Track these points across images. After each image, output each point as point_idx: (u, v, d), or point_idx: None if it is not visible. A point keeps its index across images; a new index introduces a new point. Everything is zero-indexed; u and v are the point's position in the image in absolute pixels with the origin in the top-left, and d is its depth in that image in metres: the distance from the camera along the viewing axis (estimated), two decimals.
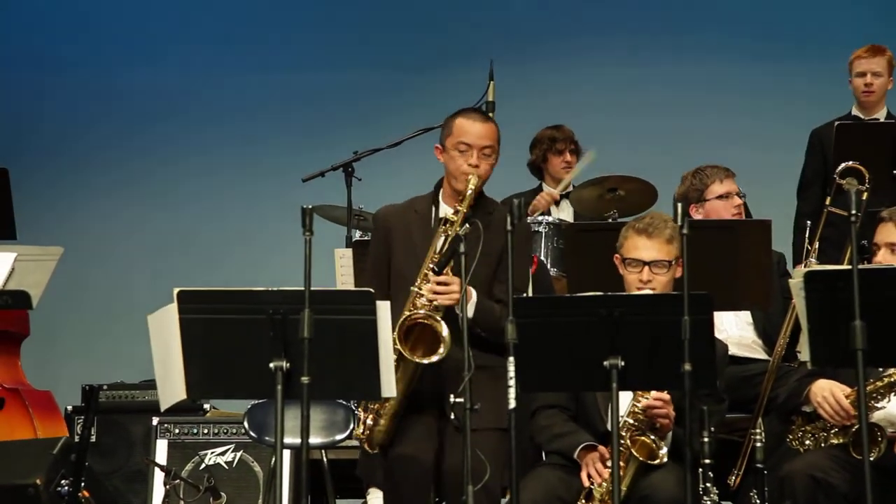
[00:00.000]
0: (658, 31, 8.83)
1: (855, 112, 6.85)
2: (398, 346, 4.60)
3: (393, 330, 4.35)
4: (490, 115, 5.48)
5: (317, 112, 8.91)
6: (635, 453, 4.59)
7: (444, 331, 4.63)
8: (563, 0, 8.94)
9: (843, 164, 5.72)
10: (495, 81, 6.07)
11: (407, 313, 4.68)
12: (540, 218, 6.78)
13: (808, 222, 5.77)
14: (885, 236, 4.97)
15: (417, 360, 4.64)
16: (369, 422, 4.78)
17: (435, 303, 4.66)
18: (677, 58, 8.77)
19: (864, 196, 5.41)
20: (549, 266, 6.60)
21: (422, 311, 4.67)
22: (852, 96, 6.85)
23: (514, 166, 7.38)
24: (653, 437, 4.61)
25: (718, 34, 8.80)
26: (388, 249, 4.92)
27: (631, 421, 4.63)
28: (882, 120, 6.77)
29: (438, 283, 4.66)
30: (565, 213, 7.12)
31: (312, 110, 8.92)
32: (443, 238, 4.73)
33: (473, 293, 4.71)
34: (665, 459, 4.59)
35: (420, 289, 4.70)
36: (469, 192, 4.75)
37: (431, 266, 4.70)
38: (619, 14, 8.89)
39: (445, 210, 4.86)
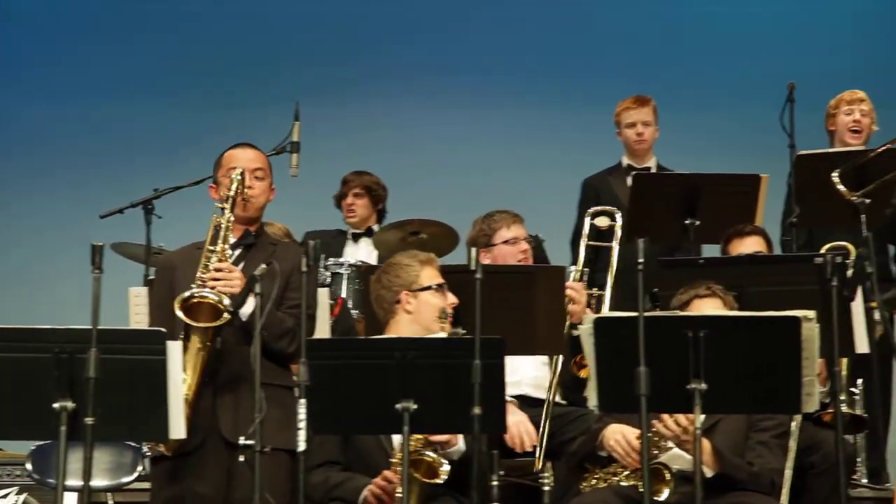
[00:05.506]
0: (461, 74, 8.93)
1: (627, 161, 6.96)
2: (184, 320, 4.56)
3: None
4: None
5: (117, 147, 8.79)
6: (417, 476, 4.55)
7: (225, 300, 4.58)
8: (367, 45, 9.01)
9: (594, 208, 6.15)
10: (301, 122, 6.04)
11: (188, 293, 4.60)
12: (341, 260, 6.77)
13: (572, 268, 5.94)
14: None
15: (204, 325, 4.57)
16: None
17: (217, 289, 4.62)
18: (481, 101, 8.90)
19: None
20: (350, 308, 6.59)
21: (206, 291, 4.60)
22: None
23: (317, 206, 7.40)
24: (434, 455, 4.59)
25: (524, 79, 8.94)
26: (172, 289, 4.80)
27: (412, 443, 4.57)
28: (653, 167, 6.94)
29: (217, 270, 4.64)
30: (367, 254, 7.11)
31: (112, 144, 8.80)
32: (213, 227, 4.73)
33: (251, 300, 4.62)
34: (445, 476, 4.55)
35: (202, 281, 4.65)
36: (234, 184, 4.75)
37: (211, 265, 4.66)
38: (425, 58, 8.99)
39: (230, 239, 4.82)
